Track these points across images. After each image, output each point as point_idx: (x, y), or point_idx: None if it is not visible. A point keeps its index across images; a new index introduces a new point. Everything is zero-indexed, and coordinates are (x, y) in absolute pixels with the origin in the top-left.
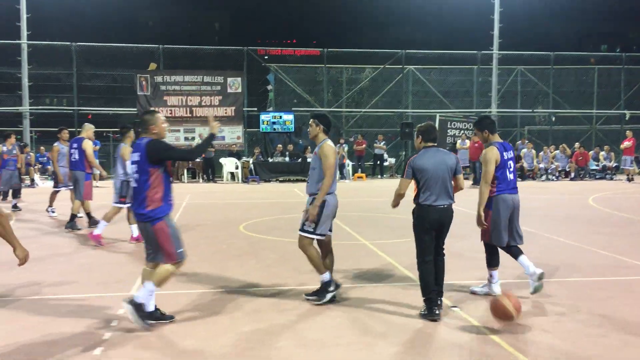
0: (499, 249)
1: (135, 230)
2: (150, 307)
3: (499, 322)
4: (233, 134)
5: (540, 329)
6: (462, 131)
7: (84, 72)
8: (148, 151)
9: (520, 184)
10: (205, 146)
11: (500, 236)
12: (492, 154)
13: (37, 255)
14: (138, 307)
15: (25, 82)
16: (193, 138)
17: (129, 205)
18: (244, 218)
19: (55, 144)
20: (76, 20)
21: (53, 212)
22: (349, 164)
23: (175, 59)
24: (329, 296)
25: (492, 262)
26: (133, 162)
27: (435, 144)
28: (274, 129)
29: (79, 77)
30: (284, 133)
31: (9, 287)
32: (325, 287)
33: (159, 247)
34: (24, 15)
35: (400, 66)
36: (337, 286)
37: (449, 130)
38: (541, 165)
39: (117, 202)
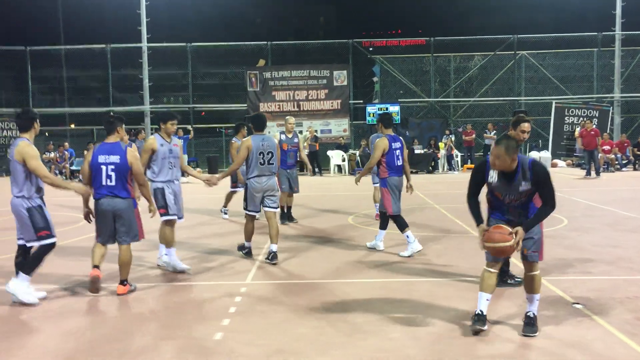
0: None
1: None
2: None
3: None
4: (339, 127)
5: None
6: (582, 118)
7: (198, 71)
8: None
9: None
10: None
11: (398, 207)
12: (382, 143)
13: None
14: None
15: (146, 82)
16: (300, 132)
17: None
18: (353, 210)
19: (234, 140)
20: (190, 22)
21: (226, 213)
22: (457, 154)
23: (283, 54)
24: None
25: (402, 226)
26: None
27: None
28: None
29: (194, 76)
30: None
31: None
32: (240, 248)
33: None
34: (144, 20)
35: (512, 52)
36: (248, 252)
37: (566, 118)
38: None
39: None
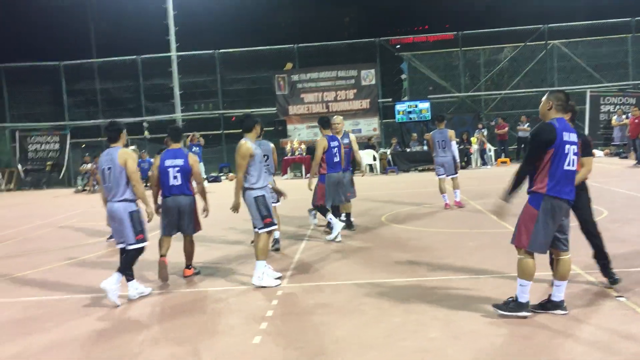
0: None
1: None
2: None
3: None
4: (369, 126)
5: None
6: (618, 106)
7: (226, 77)
8: None
9: None
10: None
11: (330, 200)
12: (322, 143)
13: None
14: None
15: (177, 91)
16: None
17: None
18: (385, 209)
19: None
20: (216, 30)
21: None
22: (490, 149)
23: (310, 56)
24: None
25: (325, 213)
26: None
27: None
28: (410, 119)
29: (222, 82)
30: (421, 122)
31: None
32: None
33: None
34: (172, 30)
35: (543, 42)
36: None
37: (602, 107)
38: None
39: None
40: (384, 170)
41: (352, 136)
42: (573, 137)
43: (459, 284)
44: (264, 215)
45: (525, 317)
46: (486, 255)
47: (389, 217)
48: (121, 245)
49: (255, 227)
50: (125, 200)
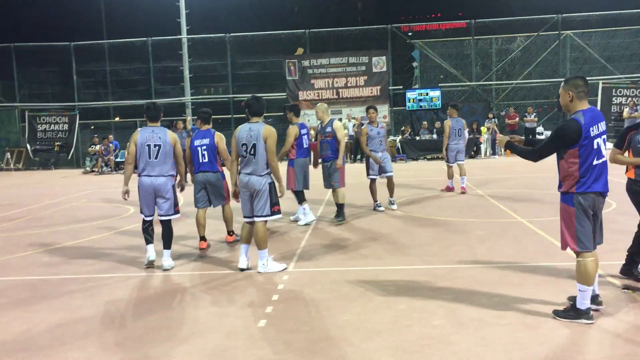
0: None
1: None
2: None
3: None
4: (379, 114)
5: None
6: (630, 98)
7: (237, 61)
8: None
9: None
10: None
11: (301, 184)
12: (293, 131)
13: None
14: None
15: (187, 74)
16: (340, 119)
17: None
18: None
19: (364, 126)
20: (228, 13)
21: (379, 206)
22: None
23: (321, 42)
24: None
25: (301, 200)
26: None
27: None
28: (421, 107)
29: (233, 66)
30: (431, 110)
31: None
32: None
33: None
34: (183, 12)
35: (557, 32)
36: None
37: (614, 99)
38: None
39: None
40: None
41: (338, 124)
42: (602, 126)
43: (465, 273)
44: (274, 203)
45: (588, 324)
46: (493, 245)
47: (397, 204)
48: (160, 218)
49: (255, 215)
50: (171, 175)
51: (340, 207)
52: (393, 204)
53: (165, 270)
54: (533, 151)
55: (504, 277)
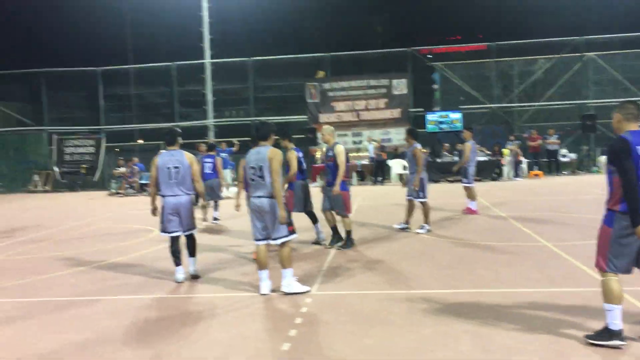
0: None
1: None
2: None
3: None
4: (400, 136)
5: None
6: None
7: (258, 84)
8: None
9: None
10: None
11: (300, 207)
12: (293, 156)
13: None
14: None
15: (210, 97)
16: (360, 142)
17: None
18: (416, 219)
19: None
20: (250, 37)
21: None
22: (523, 161)
23: (341, 65)
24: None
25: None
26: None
27: None
28: (441, 129)
29: (255, 89)
30: (452, 132)
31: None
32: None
33: None
34: (206, 37)
35: (579, 54)
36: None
37: None
38: None
39: None
40: None
41: (339, 148)
42: None
43: (490, 298)
44: (289, 222)
45: (619, 347)
46: (518, 269)
47: (419, 227)
48: (182, 233)
49: (272, 238)
50: (190, 193)
51: (347, 234)
52: (423, 227)
53: (192, 275)
54: (629, 188)
55: (530, 302)
